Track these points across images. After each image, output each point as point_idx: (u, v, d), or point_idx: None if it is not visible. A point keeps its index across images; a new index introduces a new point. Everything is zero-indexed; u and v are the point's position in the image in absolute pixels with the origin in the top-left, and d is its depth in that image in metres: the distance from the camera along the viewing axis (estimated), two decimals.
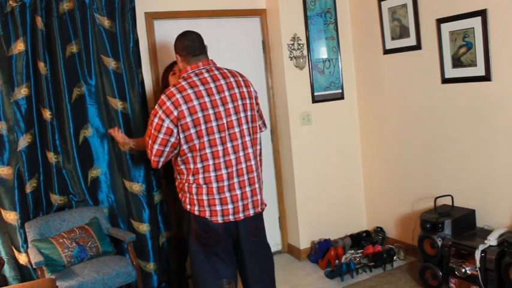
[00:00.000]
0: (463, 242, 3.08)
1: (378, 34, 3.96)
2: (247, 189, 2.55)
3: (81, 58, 3.37)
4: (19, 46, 3.16)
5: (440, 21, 3.42)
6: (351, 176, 4.36)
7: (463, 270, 3.01)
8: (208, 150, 2.46)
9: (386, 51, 3.92)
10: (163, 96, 2.46)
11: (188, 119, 2.41)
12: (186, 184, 2.54)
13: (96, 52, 3.39)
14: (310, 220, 4.18)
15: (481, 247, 2.94)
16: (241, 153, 2.53)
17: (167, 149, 2.48)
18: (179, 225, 3.41)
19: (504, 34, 3.05)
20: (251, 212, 2.58)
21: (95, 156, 3.46)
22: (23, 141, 3.19)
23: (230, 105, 2.50)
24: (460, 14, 3.26)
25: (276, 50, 4.07)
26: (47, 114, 3.29)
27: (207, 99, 2.45)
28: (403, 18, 3.71)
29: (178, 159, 2.54)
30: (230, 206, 2.51)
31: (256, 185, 2.59)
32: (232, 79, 2.55)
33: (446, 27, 3.38)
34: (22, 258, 3.22)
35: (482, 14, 3.12)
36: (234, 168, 2.51)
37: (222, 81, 2.51)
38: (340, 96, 4.25)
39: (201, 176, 2.49)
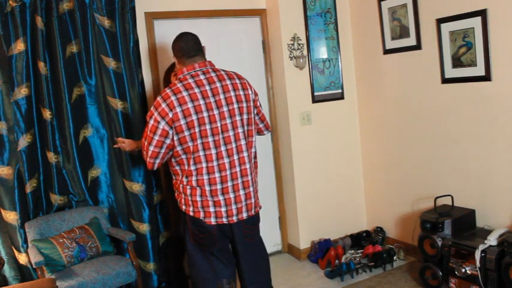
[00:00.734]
0: (463, 242, 3.08)
1: (378, 34, 3.96)
2: (241, 192, 2.53)
3: (81, 58, 3.37)
4: (19, 46, 3.16)
5: (440, 21, 3.42)
6: (351, 175, 4.36)
7: (463, 270, 3.01)
8: (201, 153, 2.45)
9: (387, 51, 3.92)
10: (158, 98, 2.46)
11: (182, 122, 2.41)
12: (181, 185, 2.54)
13: (96, 52, 3.39)
14: (310, 220, 4.18)
15: (481, 247, 2.94)
16: (235, 157, 2.51)
17: (162, 151, 2.48)
18: (177, 225, 3.42)
19: (504, 34, 3.05)
20: (244, 215, 2.56)
21: (95, 156, 3.46)
22: (23, 141, 3.19)
23: (225, 109, 2.48)
24: (460, 14, 3.26)
25: (276, 50, 4.07)
26: (47, 114, 3.29)
27: (201, 101, 2.43)
28: (403, 18, 3.71)
29: (173, 160, 2.54)
30: (223, 209, 2.50)
31: (251, 188, 2.57)
32: (228, 82, 2.53)
33: (446, 27, 3.38)
34: (22, 258, 3.22)
35: (482, 14, 3.12)
36: (228, 172, 2.49)
37: (218, 84, 2.50)
38: (340, 96, 4.25)
39: (194, 178, 2.48)
